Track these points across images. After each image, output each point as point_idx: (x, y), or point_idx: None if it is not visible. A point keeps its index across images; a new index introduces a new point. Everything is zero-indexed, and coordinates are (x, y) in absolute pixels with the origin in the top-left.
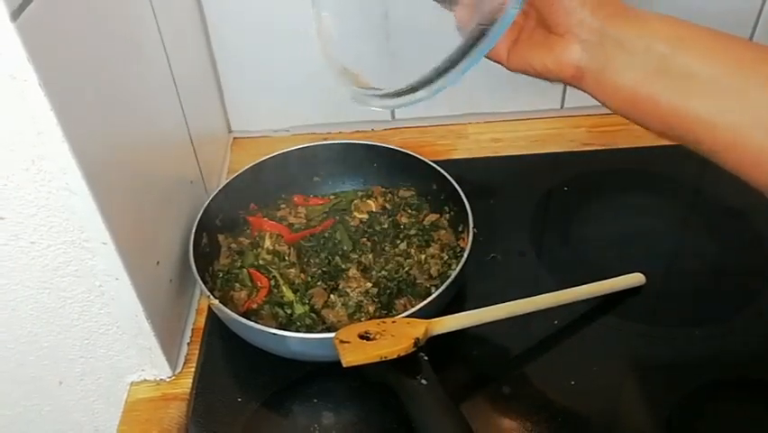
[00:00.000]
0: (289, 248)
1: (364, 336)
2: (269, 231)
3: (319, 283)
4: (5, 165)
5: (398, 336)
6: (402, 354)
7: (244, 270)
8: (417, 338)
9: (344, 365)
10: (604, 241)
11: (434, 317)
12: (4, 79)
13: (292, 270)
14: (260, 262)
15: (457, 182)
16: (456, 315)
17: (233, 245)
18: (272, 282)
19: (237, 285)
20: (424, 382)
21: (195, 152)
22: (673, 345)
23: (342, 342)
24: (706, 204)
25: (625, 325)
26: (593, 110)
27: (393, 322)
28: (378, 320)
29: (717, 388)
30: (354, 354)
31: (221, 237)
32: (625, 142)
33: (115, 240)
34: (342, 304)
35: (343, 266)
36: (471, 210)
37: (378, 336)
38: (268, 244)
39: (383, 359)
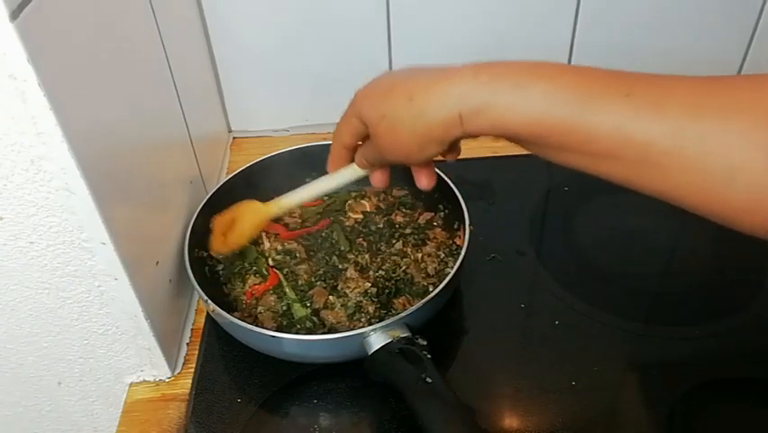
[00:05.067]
0: (299, 245)
1: None
2: (265, 230)
3: (319, 283)
4: (5, 165)
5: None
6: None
7: (245, 266)
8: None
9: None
10: (603, 240)
11: (434, 316)
12: (4, 79)
13: (303, 266)
14: (271, 262)
15: (457, 182)
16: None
17: None
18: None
19: (238, 283)
20: (429, 380)
21: (194, 152)
22: (673, 344)
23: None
24: None
25: (625, 324)
26: None
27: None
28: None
29: (718, 387)
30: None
31: None
32: None
33: (114, 240)
34: (342, 305)
35: (341, 266)
36: (469, 208)
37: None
38: (267, 244)
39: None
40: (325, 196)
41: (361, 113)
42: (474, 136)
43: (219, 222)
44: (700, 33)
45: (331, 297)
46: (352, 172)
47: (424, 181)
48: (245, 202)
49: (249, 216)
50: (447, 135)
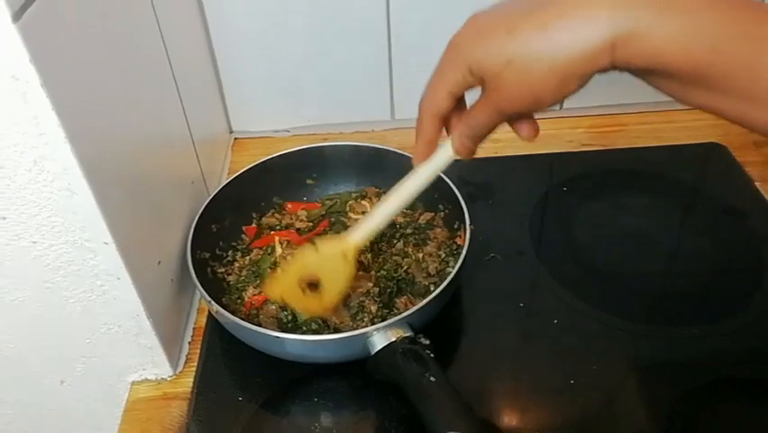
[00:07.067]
0: None
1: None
2: (277, 237)
3: None
4: (8, 165)
5: (333, 271)
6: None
7: (258, 271)
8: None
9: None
10: (602, 241)
11: (435, 315)
12: (7, 80)
13: None
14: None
15: (457, 182)
16: (363, 224)
17: (235, 243)
18: None
19: (234, 296)
20: (432, 379)
21: (196, 153)
22: (673, 344)
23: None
24: (704, 204)
25: (624, 324)
26: (592, 111)
27: (317, 251)
28: (308, 256)
29: (717, 387)
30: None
31: (221, 243)
32: (623, 142)
33: (117, 240)
34: (344, 305)
35: None
36: (469, 208)
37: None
38: (279, 250)
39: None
40: (327, 198)
41: (472, 63)
42: (620, 69)
43: (286, 278)
44: None
45: None
46: (446, 156)
47: (526, 131)
48: (313, 249)
49: (335, 266)
50: (592, 67)
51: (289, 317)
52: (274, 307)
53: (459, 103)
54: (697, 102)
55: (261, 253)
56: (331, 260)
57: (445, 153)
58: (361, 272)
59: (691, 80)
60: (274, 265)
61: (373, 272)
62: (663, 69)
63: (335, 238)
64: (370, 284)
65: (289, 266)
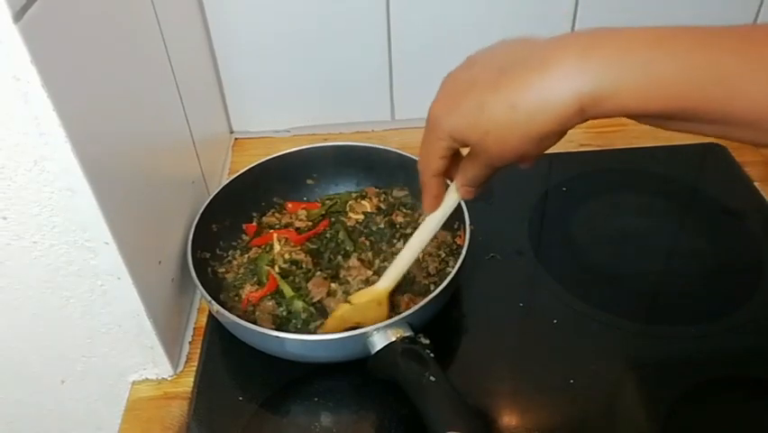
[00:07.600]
0: (306, 255)
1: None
2: (276, 235)
3: (318, 273)
4: (9, 165)
5: (370, 317)
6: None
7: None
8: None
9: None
10: (601, 240)
11: (435, 315)
12: (8, 81)
13: (308, 275)
14: (277, 270)
15: None
16: (389, 271)
17: (235, 243)
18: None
19: (232, 293)
20: (432, 378)
21: (196, 153)
22: (671, 343)
23: None
24: (703, 204)
25: (623, 323)
26: None
27: (351, 303)
28: (344, 310)
29: (716, 386)
30: None
31: (222, 243)
32: (621, 142)
33: (117, 240)
34: (344, 292)
35: (345, 265)
36: (468, 208)
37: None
38: (277, 247)
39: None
40: (327, 198)
41: (452, 133)
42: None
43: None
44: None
45: (333, 285)
46: (453, 200)
47: (524, 165)
48: (348, 304)
49: (371, 313)
50: (564, 128)
51: (284, 313)
52: (270, 303)
53: (456, 157)
54: (676, 129)
55: (260, 251)
56: (366, 309)
57: (452, 199)
58: (359, 263)
59: (664, 118)
60: (272, 262)
61: (375, 267)
62: (636, 115)
63: (366, 290)
64: (370, 273)
65: (329, 323)
